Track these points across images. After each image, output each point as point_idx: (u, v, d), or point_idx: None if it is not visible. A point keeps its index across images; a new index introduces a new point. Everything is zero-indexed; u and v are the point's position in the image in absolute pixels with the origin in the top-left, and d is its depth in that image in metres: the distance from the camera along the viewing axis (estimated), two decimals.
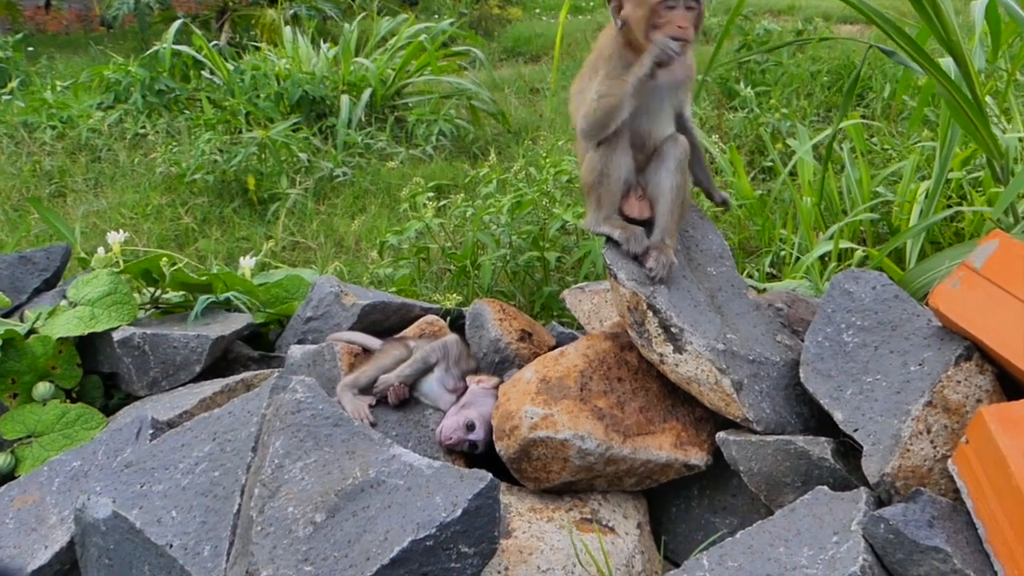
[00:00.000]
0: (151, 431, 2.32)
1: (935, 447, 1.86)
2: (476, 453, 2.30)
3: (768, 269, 3.99)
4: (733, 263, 2.43)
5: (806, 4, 13.53)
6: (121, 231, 3.19)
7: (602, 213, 2.28)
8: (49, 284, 3.26)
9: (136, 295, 3.10)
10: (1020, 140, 4.21)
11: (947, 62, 3.29)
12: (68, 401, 2.74)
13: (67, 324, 2.75)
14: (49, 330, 2.74)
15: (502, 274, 4.13)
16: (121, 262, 3.10)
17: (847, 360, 2.07)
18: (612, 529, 2.11)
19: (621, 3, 2.18)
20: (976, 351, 1.93)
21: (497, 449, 2.21)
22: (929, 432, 1.86)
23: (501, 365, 2.62)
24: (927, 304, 2.05)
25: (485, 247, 4.13)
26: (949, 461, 1.78)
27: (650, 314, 2.13)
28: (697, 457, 2.17)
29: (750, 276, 3.95)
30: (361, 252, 5.18)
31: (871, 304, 2.13)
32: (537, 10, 14.85)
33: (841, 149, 4.81)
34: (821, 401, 2.04)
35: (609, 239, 2.27)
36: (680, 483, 2.25)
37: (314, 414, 2.07)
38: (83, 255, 3.50)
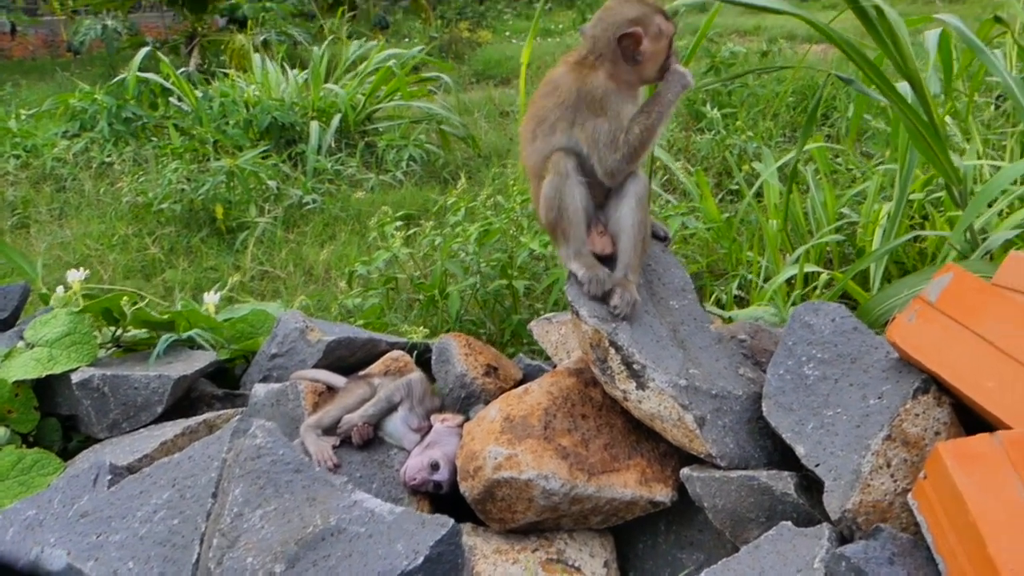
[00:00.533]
0: (109, 477, 2.28)
1: (895, 481, 1.86)
2: (441, 493, 2.28)
3: (736, 292, 4.01)
4: (695, 296, 2.44)
5: (771, 24, 13.73)
6: (81, 269, 3.14)
7: (571, 247, 2.27)
8: (6, 324, 3.20)
9: (97, 333, 3.06)
10: (979, 160, 4.27)
11: (904, 88, 3.34)
12: (24, 446, 2.68)
13: (24, 366, 2.70)
14: (5, 373, 2.69)
15: (472, 302, 4.12)
16: (81, 301, 3.06)
17: (808, 393, 2.07)
18: (578, 569, 2.09)
19: (639, 40, 2.18)
20: (933, 384, 1.94)
21: (461, 490, 2.19)
22: (889, 466, 1.87)
23: (467, 400, 2.61)
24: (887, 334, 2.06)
25: (454, 276, 4.12)
26: (909, 496, 1.79)
27: (612, 351, 2.13)
28: (662, 494, 2.16)
29: (718, 300, 3.97)
30: (331, 281, 5.15)
31: (831, 336, 2.14)
32: (507, 33, 14.95)
33: (806, 171, 4.86)
34: (783, 435, 2.04)
35: (572, 275, 2.27)
36: (646, 519, 2.24)
37: (274, 460, 2.04)
38: (44, 291, 3.45)
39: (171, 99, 8.03)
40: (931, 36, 3.42)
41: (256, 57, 8.81)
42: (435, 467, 2.25)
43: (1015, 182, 3.94)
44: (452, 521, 1.84)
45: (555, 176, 2.23)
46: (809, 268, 3.81)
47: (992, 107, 6.20)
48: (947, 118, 5.02)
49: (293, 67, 8.75)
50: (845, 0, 2.89)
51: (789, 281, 3.74)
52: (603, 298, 2.20)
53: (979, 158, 4.32)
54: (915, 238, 3.99)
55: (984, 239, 3.37)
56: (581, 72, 2.24)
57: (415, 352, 3.07)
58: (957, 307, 1.90)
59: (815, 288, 3.82)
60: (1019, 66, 5.35)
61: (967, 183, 3.46)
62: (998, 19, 4.19)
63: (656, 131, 2.21)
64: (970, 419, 1.95)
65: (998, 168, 4.26)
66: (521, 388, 2.31)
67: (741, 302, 4.01)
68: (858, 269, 3.47)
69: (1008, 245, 3.23)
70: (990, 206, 3.85)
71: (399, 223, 4.37)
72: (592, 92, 2.21)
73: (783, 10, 2.98)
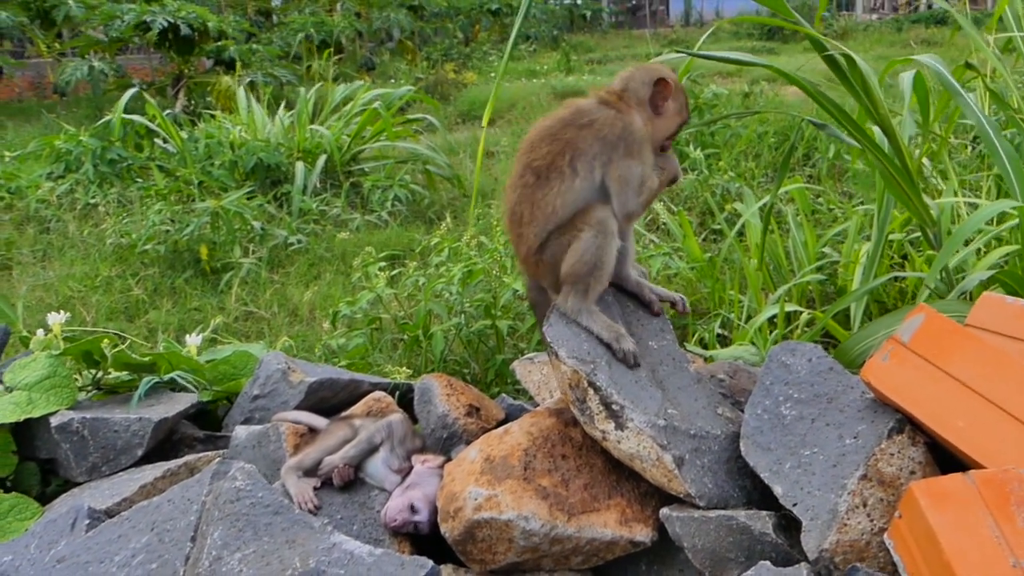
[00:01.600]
0: (87, 521, 2.26)
1: (872, 520, 1.88)
2: (422, 535, 2.27)
3: (719, 331, 4.04)
4: (674, 337, 2.46)
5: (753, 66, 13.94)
6: (62, 312, 3.14)
7: (587, 303, 2.27)
8: None
9: (77, 376, 3.04)
10: (955, 198, 4.34)
11: (878, 133, 3.41)
12: (2, 490, 2.65)
13: (2, 410, 2.68)
14: None
15: (456, 342, 4.13)
16: (61, 343, 3.05)
17: (785, 433, 2.09)
18: None
19: (668, 94, 2.30)
20: (908, 423, 1.97)
21: (442, 531, 2.18)
22: (865, 506, 1.88)
23: (449, 441, 2.61)
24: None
25: (438, 316, 4.14)
26: (885, 535, 1.80)
27: (591, 391, 2.14)
28: (642, 534, 2.16)
29: (701, 339, 4.00)
30: (315, 321, 5.15)
31: (807, 376, 2.17)
32: (492, 74, 15.13)
33: (786, 211, 4.92)
34: (761, 475, 2.05)
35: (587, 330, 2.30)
36: (627, 560, 2.24)
37: (253, 502, 2.04)
38: (26, 333, 3.44)
39: (156, 140, 8.08)
40: (906, 78, 3.50)
41: (242, 98, 8.89)
42: (415, 509, 2.25)
43: (991, 222, 4.02)
44: (431, 563, 1.84)
45: (599, 235, 2.19)
46: (790, 308, 3.84)
47: (968, 149, 6.32)
48: (925, 160, 5.12)
49: (280, 107, 8.83)
50: (815, 49, 2.96)
51: (771, 320, 3.78)
52: (631, 360, 2.25)
53: (956, 198, 4.39)
54: (895, 277, 4.05)
55: (960, 279, 3.42)
56: (620, 110, 2.24)
57: (398, 392, 3.07)
58: (929, 347, 1.94)
59: (796, 327, 3.86)
60: (993, 109, 5.48)
61: (942, 224, 3.52)
62: (969, 65, 4.29)
63: (656, 195, 2.35)
64: (945, 458, 1.97)
65: (975, 206, 4.34)
66: (501, 429, 2.31)
67: (724, 341, 4.04)
68: (837, 309, 3.51)
69: (983, 286, 3.28)
70: (967, 245, 3.91)
71: (383, 263, 4.40)
72: (634, 133, 2.22)
73: (753, 63, 3.05)
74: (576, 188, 2.22)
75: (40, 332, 3.10)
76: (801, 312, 3.89)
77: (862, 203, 5.11)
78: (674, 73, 2.36)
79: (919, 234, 4.42)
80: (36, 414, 2.71)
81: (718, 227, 5.60)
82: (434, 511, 2.25)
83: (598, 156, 2.21)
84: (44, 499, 2.71)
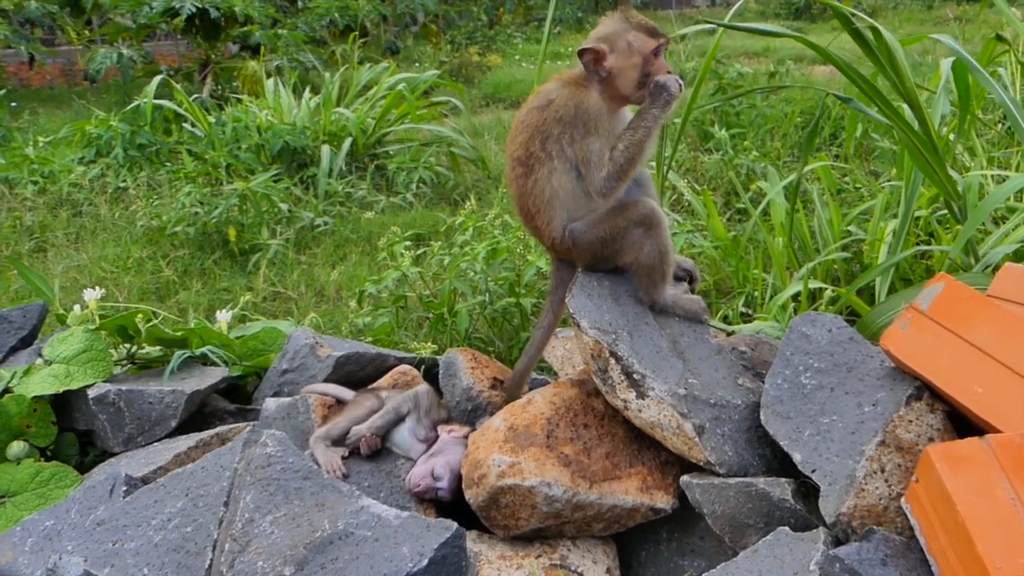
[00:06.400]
0: (125, 488, 2.34)
1: (889, 486, 1.90)
2: (444, 501, 2.32)
3: (743, 309, 4.05)
4: None
5: (780, 46, 13.83)
6: (98, 288, 3.22)
7: (668, 285, 2.36)
8: (25, 342, 3.28)
9: (112, 351, 3.13)
10: (982, 171, 4.31)
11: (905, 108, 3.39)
12: (42, 459, 2.75)
13: (42, 382, 2.77)
14: (24, 389, 2.76)
15: (480, 320, 4.17)
16: (97, 319, 3.13)
17: (805, 402, 2.12)
18: (581, 575, 2.13)
19: (601, 56, 2.22)
20: (926, 391, 1.99)
21: (467, 497, 2.24)
22: (883, 471, 1.91)
23: (474, 413, 2.66)
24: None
25: (463, 294, 4.18)
26: (902, 499, 1.83)
27: (613, 361, 2.18)
28: (663, 501, 2.20)
29: (724, 317, 4.01)
30: (341, 301, 5.22)
31: (827, 346, 2.19)
32: (516, 56, 15.11)
33: (812, 189, 4.91)
34: (781, 443, 2.08)
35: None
36: (648, 527, 2.28)
37: (284, 468, 2.10)
38: (62, 311, 3.53)
39: (184, 125, 8.18)
40: (946, 63, 3.50)
41: (269, 83, 8.97)
42: (436, 475, 2.30)
43: (1021, 199, 3.98)
44: (456, 525, 1.89)
45: (662, 227, 2.27)
46: (814, 284, 3.85)
47: (999, 126, 6.24)
48: (951, 136, 5.07)
49: (305, 92, 8.89)
50: (840, 23, 2.95)
51: (795, 298, 3.78)
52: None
53: (983, 171, 4.36)
54: (921, 254, 4.03)
55: (986, 254, 3.41)
56: (576, 90, 2.25)
57: (423, 367, 3.13)
58: (948, 315, 1.95)
59: (820, 305, 3.86)
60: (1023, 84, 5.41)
61: (966, 198, 3.50)
62: (1000, 38, 4.25)
63: (644, 147, 2.22)
64: (963, 426, 1.99)
65: (1004, 181, 4.30)
66: (524, 398, 2.36)
67: (747, 319, 4.05)
68: (862, 283, 3.50)
69: (1008, 259, 3.27)
70: (997, 225, 3.88)
71: (408, 243, 4.45)
72: (588, 110, 2.22)
73: (781, 34, 3.05)
74: (559, 170, 2.25)
75: (77, 308, 3.19)
76: (825, 289, 3.89)
77: (889, 181, 5.07)
78: (613, 21, 2.26)
79: (946, 211, 4.39)
80: (74, 386, 2.79)
81: (742, 207, 5.59)
82: (456, 478, 2.30)
83: (562, 136, 2.23)
84: (82, 468, 2.80)
